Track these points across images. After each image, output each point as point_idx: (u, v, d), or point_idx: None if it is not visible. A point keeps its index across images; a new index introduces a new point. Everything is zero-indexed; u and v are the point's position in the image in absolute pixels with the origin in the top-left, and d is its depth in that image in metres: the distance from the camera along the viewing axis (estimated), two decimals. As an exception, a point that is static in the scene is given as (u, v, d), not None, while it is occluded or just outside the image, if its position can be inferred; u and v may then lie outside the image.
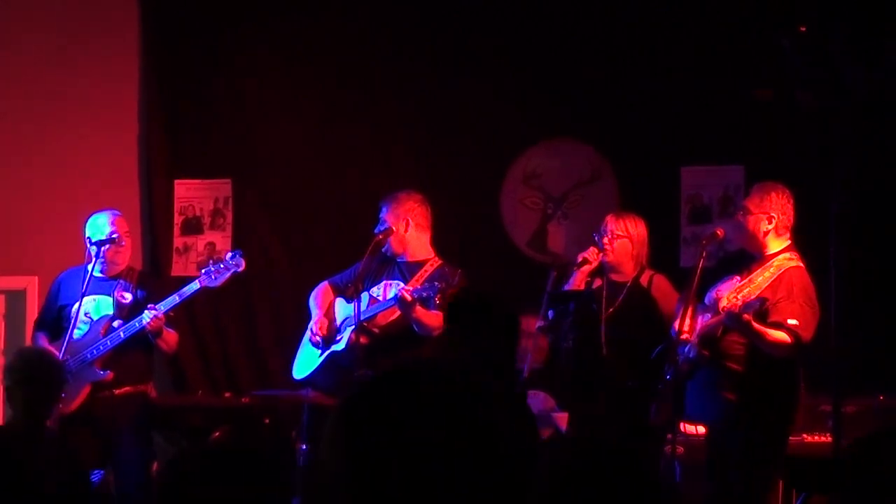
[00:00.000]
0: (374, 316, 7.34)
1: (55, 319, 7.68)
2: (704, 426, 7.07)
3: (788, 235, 6.77)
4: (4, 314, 9.23)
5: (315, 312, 7.64)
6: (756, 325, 6.47)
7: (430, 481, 1.91)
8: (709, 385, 6.75)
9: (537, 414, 7.65)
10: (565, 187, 8.91)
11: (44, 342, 7.64)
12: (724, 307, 6.58)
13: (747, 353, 6.64)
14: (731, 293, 6.65)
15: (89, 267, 7.58)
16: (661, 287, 7.43)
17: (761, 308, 6.48)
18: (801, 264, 6.70)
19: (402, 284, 7.39)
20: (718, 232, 7.29)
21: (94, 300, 7.60)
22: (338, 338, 7.54)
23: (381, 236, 7.43)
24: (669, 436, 6.86)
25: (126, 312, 7.52)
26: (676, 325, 6.80)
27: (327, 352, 7.55)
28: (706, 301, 6.80)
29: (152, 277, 8.07)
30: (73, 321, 7.47)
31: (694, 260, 7.29)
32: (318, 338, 7.55)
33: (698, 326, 6.74)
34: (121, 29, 9.18)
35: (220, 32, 9.13)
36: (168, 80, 9.20)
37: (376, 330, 7.38)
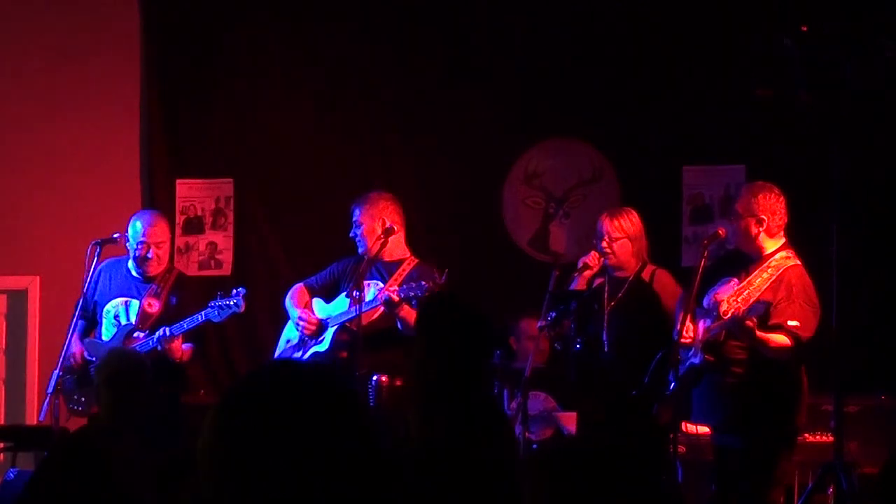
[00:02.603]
0: (357, 316, 7.32)
1: (94, 311, 7.75)
2: (710, 429, 7.06)
3: (782, 234, 6.74)
4: (6, 314, 9.24)
5: (296, 311, 7.63)
6: (759, 332, 6.45)
7: (299, 477, 1.92)
8: (713, 389, 6.74)
9: (538, 414, 7.66)
10: (567, 187, 8.91)
11: (75, 340, 7.66)
12: (725, 311, 6.55)
13: (750, 358, 6.63)
14: (730, 296, 6.62)
15: (129, 265, 7.67)
16: (663, 281, 7.43)
17: (766, 312, 6.46)
18: (799, 262, 6.67)
19: (380, 284, 7.38)
20: (720, 232, 7.27)
21: (126, 303, 7.64)
22: (320, 338, 7.53)
23: (383, 237, 7.41)
24: (671, 435, 6.87)
25: (151, 321, 7.52)
26: (678, 328, 6.80)
27: (309, 352, 7.55)
28: (704, 304, 6.77)
29: (188, 281, 8.02)
30: (98, 320, 7.64)
31: (695, 260, 7.29)
32: (311, 327, 7.53)
33: (700, 331, 6.73)
34: (121, 29, 9.17)
35: (221, 32, 9.13)
36: (169, 79, 9.20)
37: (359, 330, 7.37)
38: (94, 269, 7.76)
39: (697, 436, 7.34)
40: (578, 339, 7.21)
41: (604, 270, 7.45)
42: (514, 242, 8.94)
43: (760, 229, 6.68)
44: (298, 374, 2.02)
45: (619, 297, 7.36)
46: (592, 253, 7.41)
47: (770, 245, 6.70)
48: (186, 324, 7.38)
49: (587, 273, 7.40)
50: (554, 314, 7.25)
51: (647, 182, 8.63)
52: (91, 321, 7.72)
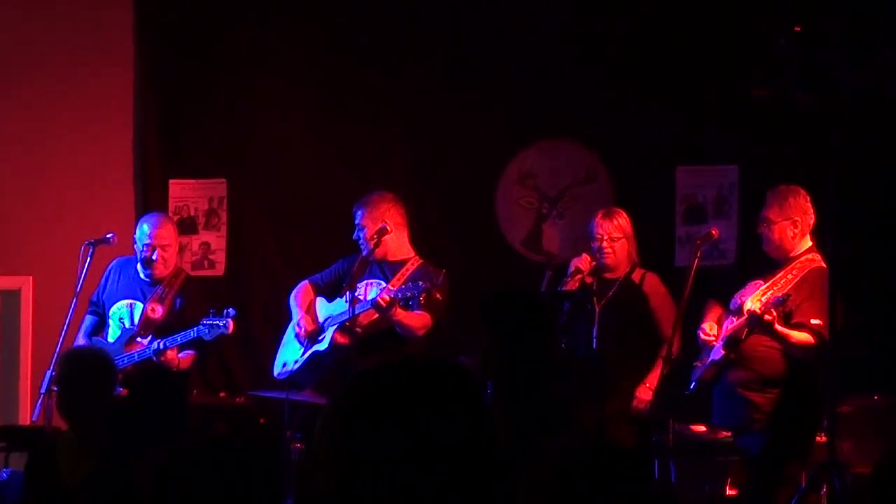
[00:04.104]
0: (357, 316, 7.34)
1: (104, 309, 7.77)
2: (731, 431, 7.10)
3: (810, 236, 6.82)
4: (0, 314, 9.22)
5: (297, 311, 7.66)
6: (778, 326, 6.53)
7: (419, 475, 1.92)
8: (734, 388, 6.80)
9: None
10: (560, 187, 8.90)
11: (81, 338, 7.70)
12: (748, 310, 6.62)
13: (771, 356, 6.70)
14: (754, 296, 6.69)
15: (138, 266, 7.70)
16: (652, 284, 7.47)
17: (784, 305, 6.52)
18: (824, 264, 6.73)
19: (383, 284, 7.40)
20: (713, 232, 7.36)
21: (131, 305, 7.66)
22: (320, 337, 7.55)
23: (375, 237, 7.43)
24: (665, 435, 6.91)
25: (154, 327, 7.53)
26: (704, 328, 6.91)
27: (309, 351, 7.56)
28: (731, 306, 6.86)
29: (195, 285, 8.01)
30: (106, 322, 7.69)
31: (689, 260, 7.32)
32: (304, 332, 7.56)
33: (723, 330, 6.80)
34: (116, 29, 9.15)
35: (216, 32, 9.11)
36: (164, 79, 9.18)
37: (359, 330, 7.38)
38: (107, 267, 7.81)
39: (688, 434, 7.38)
40: (563, 341, 7.26)
41: (594, 271, 7.46)
42: (507, 242, 8.93)
43: (796, 231, 6.78)
44: (415, 369, 2.03)
45: (608, 297, 7.38)
46: (584, 256, 7.41)
47: (801, 247, 6.80)
48: (180, 338, 7.41)
49: (578, 277, 7.41)
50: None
51: (640, 182, 8.64)
52: (102, 319, 7.74)
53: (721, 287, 7.54)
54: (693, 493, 7.44)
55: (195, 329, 7.38)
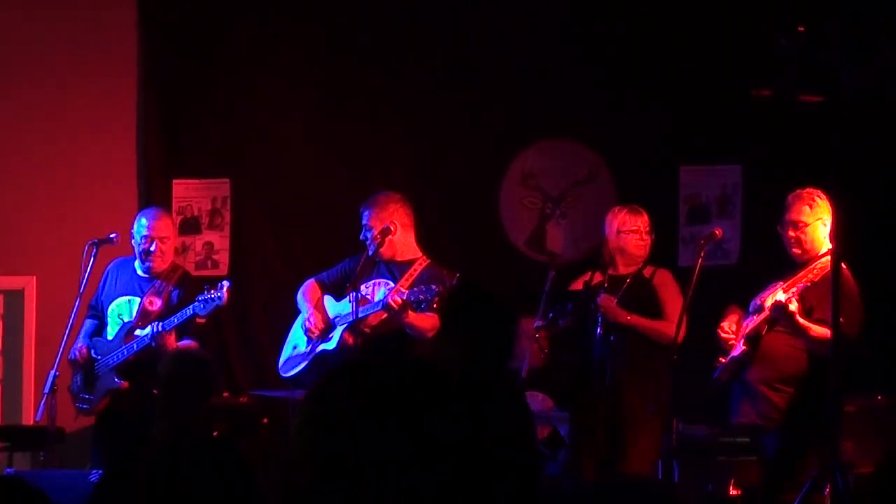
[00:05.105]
0: (366, 316, 7.34)
1: (103, 310, 7.79)
2: (750, 430, 7.09)
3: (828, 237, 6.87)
4: (2, 314, 9.22)
5: (307, 307, 7.65)
6: (800, 318, 6.57)
7: (423, 476, 1.92)
8: (755, 385, 6.82)
9: (535, 414, 7.66)
10: (563, 187, 8.90)
11: (82, 337, 7.72)
12: (770, 303, 6.66)
13: (793, 354, 6.73)
14: (776, 292, 6.73)
15: (136, 264, 7.72)
16: (664, 278, 7.51)
17: (805, 298, 6.56)
18: (842, 263, 6.74)
19: (391, 283, 7.39)
20: (717, 232, 7.37)
21: (129, 301, 7.68)
22: (328, 336, 7.54)
23: (379, 238, 7.42)
24: (670, 434, 6.93)
25: (152, 319, 7.53)
26: (724, 326, 6.95)
27: (317, 350, 7.56)
28: (750, 308, 6.92)
29: (192, 279, 8.02)
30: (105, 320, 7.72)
31: (692, 260, 7.32)
32: (315, 329, 7.55)
33: (743, 328, 6.84)
34: (118, 28, 9.16)
35: (218, 32, 9.12)
36: (166, 79, 9.18)
37: (368, 330, 7.38)
38: (105, 270, 7.83)
39: (692, 434, 7.38)
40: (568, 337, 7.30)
41: (604, 269, 7.47)
42: (510, 242, 8.94)
43: (827, 230, 6.80)
44: (421, 370, 2.03)
45: (621, 292, 7.39)
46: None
47: (825, 246, 6.81)
48: (177, 318, 7.40)
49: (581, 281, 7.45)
50: (551, 314, 7.28)
51: (643, 182, 8.63)
52: (102, 322, 7.76)
53: (725, 287, 7.57)
54: (695, 493, 7.43)
55: (191, 307, 7.38)
